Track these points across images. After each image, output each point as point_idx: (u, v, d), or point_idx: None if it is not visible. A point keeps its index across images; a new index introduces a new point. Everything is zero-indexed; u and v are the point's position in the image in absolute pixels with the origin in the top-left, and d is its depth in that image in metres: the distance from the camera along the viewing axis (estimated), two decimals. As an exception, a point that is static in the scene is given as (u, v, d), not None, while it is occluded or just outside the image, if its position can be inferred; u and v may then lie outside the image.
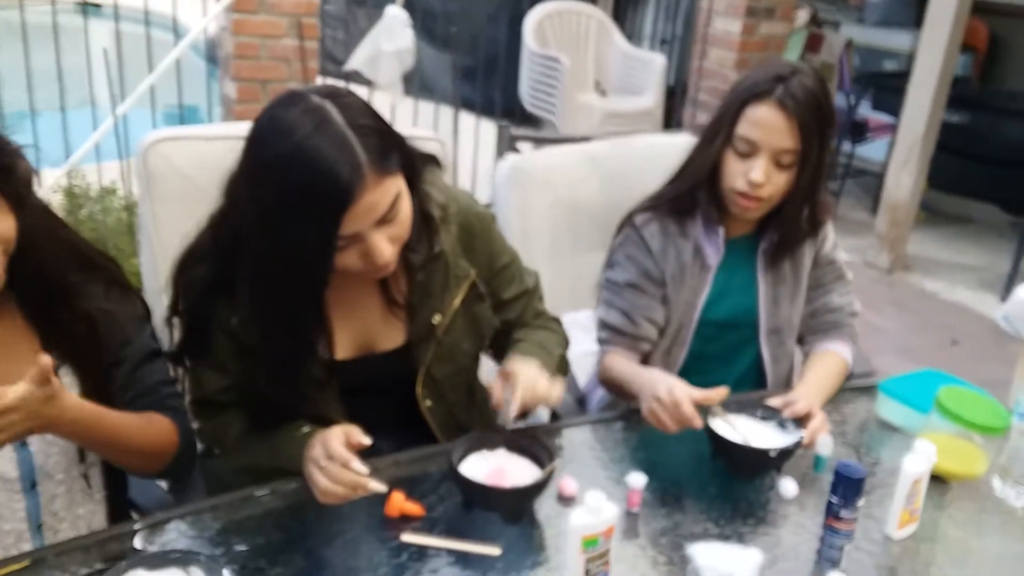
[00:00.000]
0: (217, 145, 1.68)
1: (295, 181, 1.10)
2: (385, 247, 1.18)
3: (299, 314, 1.23)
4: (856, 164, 5.51)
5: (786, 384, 1.73)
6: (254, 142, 1.16)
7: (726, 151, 1.52)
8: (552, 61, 4.54)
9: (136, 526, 1.12)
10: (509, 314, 1.45)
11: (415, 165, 1.26)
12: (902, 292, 4.31)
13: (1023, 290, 1.70)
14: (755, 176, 1.48)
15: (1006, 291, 4.23)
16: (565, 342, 1.48)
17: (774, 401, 1.41)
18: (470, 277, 1.39)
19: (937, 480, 1.31)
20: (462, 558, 1.13)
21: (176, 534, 1.13)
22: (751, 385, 1.71)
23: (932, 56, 4.18)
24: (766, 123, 1.47)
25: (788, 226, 1.59)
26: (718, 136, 1.53)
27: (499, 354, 1.49)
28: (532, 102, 4.73)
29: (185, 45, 3.40)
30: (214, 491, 1.31)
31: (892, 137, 4.78)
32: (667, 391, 1.32)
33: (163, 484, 1.37)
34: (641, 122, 4.58)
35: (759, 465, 1.31)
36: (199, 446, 1.38)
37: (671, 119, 5.13)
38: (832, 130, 1.53)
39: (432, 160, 1.38)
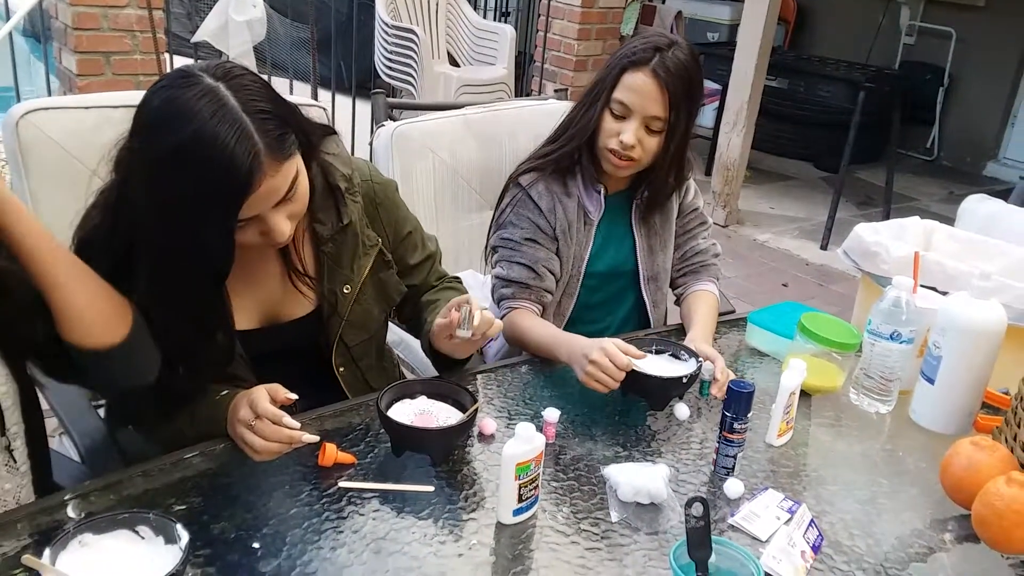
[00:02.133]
0: (93, 114, 1.63)
1: (192, 172, 1.09)
2: (284, 225, 1.19)
3: (202, 300, 1.21)
4: (689, 129, 5.87)
5: (663, 323, 1.90)
6: (148, 127, 1.12)
7: (604, 112, 1.64)
8: (408, 33, 4.55)
9: (67, 496, 1.10)
10: (415, 279, 1.51)
11: (311, 141, 1.26)
12: (737, 243, 4.68)
13: (861, 228, 1.93)
14: (626, 138, 1.60)
15: (825, 239, 4.70)
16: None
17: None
18: (377, 246, 1.42)
19: (803, 394, 1.50)
20: (399, 498, 1.18)
21: (109, 502, 1.11)
22: (634, 327, 1.86)
23: (754, 26, 4.53)
24: (640, 89, 1.59)
25: (656, 185, 1.74)
26: (599, 99, 1.64)
27: (406, 319, 1.54)
28: (389, 74, 4.72)
29: (17, 20, 3.14)
30: (132, 464, 1.29)
31: (719, 103, 5.14)
32: (598, 352, 1.41)
33: (78, 459, 1.33)
34: (495, 90, 4.68)
35: (671, 393, 1.44)
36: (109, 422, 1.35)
37: (520, 87, 5.27)
38: (700, 103, 1.67)
39: (328, 130, 1.39)
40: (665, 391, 1.44)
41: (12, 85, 3.14)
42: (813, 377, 1.49)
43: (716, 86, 5.66)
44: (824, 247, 4.67)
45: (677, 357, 1.51)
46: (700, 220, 1.90)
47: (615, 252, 1.79)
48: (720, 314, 1.88)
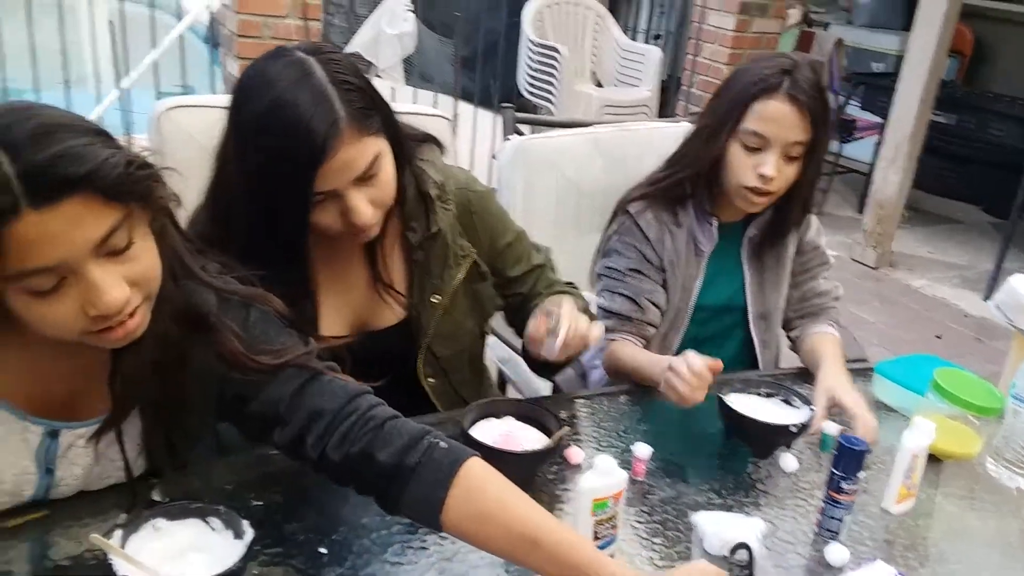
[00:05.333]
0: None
1: (272, 134, 1.10)
2: (364, 207, 1.17)
3: (285, 276, 1.20)
4: (843, 163, 5.58)
5: (775, 365, 1.78)
6: (237, 97, 1.17)
7: (731, 146, 1.53)
8: (552, 51, 4.57)
9: (153, 480, 1.14)
10: (519, 289, 1.47)
11: (400, 133, 1.25)
12: (887, 287, 4.38)
13: (1016, 280, 1.74)
14: (768, 170, 1.49)
15: (989, 289, 4.32)
16: (585, 303, 1.50)
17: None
18: (471, 256, 1.39)
19: (932, 459, 1.35)
20: (473, 520, 1.15)
21: (193, 489, 1.14)
22: (743, 367, 1.74)
23: (921, 57, 4.24)
24: (777, 117, 1.48)
25: (780, 217, 1.63)
26: (722, 130, 1.53)
27: (519, 327, 1.51)
28: (530, 90, 4.76)
29: (189, 20, 3.39)
30: (225, 453, 1.32)
31: (879, 137, 4.85)
32: (679, 360, 1.35)
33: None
34: (637, 112, 4.62)
35: (777, 440, 1.34)
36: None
37: (664, 111, 5.17)
38: (830, 123, 1.56)
39: (431, 139, 1.38)
40: (770, 438, 1.34)
41: (180, 86, 3.38)
42: (945, 441, 1.35)
43: (877, 119, 5.36)
44: (987, 299, 4.29)
45: (789, 403, 1.40)
46: (821, 260, 1.77)
47: (725, 286, 1.69)
48: (849, 360, 1.74)
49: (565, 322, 1.23)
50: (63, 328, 0.88)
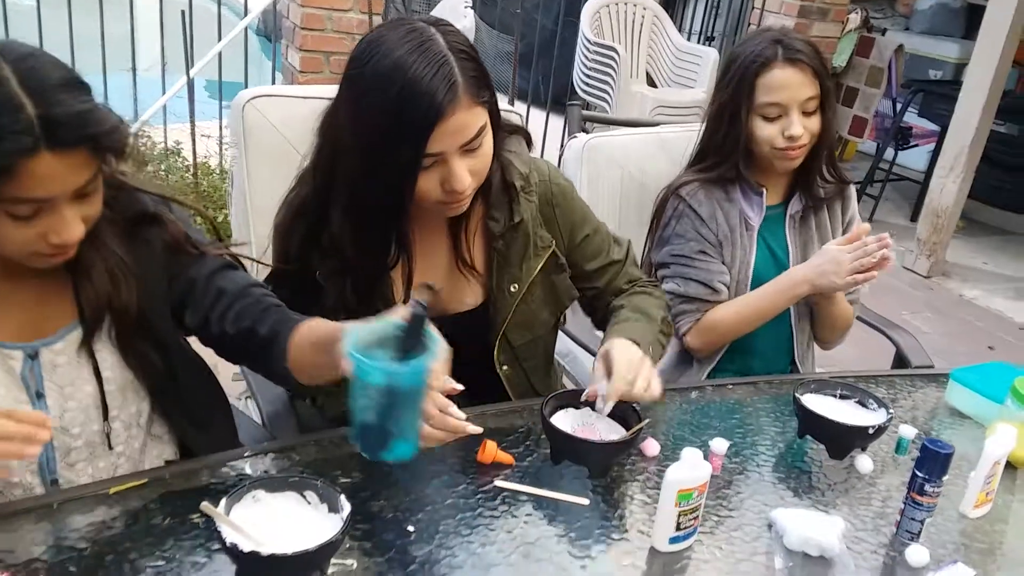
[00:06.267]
0: (311, 104, 1.73)
1: (392, 94, 1.14)
2: (465, 175, 1.20)
3: (386, 235, 1.26)
4: (896, 171, 5.50)
5: (809, 340, 1.87)
6: (356, 60, 1.20)
7: (754, 121, 1.66)
8: (608, 50, 4.57)
9: (246, 453, 1.17)
10: (596, 282, 1.48)
11: (499, 118, 1.28)
12: (939, 297, 4.32)
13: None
14: (795, 131, 1.63)
15: (1046, 303, 4.24)
16: (666, 305, 1.51)
17: None
18: (550, 248, 1.41)
19: (1008, 467, 1.34)
20: (552, 506, 1.16)
21: (282, 465, 1.17)
22: (785, 339, 1.82)
23: (985, 66, 4.18)
24: (785, 82, 1.62)
25: (816, 175, 1.74)
26: (739, 112, 1.66)
27: (597, 319, 1.52)
28: (585, 89, 4.76)
29: (257, 13, 3.45)
30: (306, 433, 1.35)
31: (934, 145, 4.78)
32: (836, 250, 1.61)
33: (259, 422, 1.42)
34: (691, 114, 4.60)
35: (853, 442, 1.34)
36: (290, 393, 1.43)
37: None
38: (829, 70, 1.71)
39: (520, 131, 1.41)
40: (847, 439, 1.33)
41: (242, 80, 3.44)
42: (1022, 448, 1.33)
43: (933, 127, 5.28)
44: (1044, 312, 4.22)
45: (864, 405, 1.40)
46: None
47: (774, 263, 1.77)
48: (916, 367, 1.75)
49: (614, 389, 1.22)
50: (21, 248, 1.01)
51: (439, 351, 0.96)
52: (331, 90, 1.86)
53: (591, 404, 1.28)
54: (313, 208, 1.28)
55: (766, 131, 1.65)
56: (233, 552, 0.90)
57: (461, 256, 1.37)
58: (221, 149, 3.96)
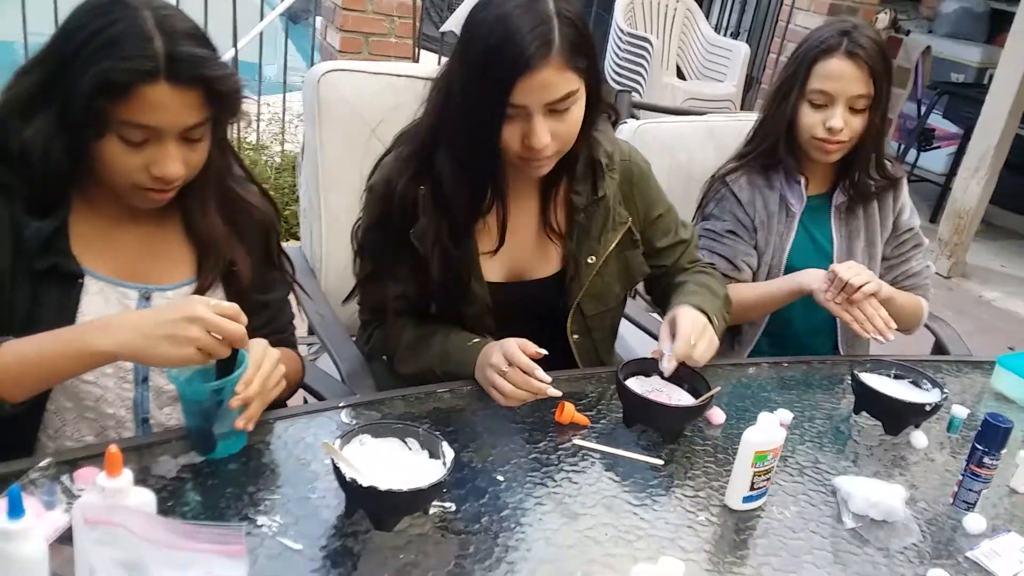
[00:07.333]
0: (380, 80, 1.79)
1: (492, 42, 1.21)
2: (544, 134, 1.25)
3: (482, 178, 1.32)
4: (916, 172, 5.54)
5: (857, 336, 1.79)
6: (472, 10, 1.26)
7: (800, 106, 1.69)
8: (642, 41, 4.62)
9: (341, 403, 1.23)
10: (663, 260, 1.54)
11: (598, 96, 1.33)
12: (959, 297, 4.37)
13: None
14: (835, 123, 1.65)
15: (1064, 307, 4.29)
16: (724, 284, 1.57)
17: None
18: (627, 224, 1.47)
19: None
20: (628, 466, 1.22)
21: (374, 416, 1.23)
22: (828, 331, 1.84)
23: (1013, 70, 4.21)
24: (838, 74, 1.64)
25: (859, 175, 1.75)
26: (791, 94, 1.70)
27: (656, 296, 1.58)
28: (616, 79, 4.80)
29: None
30: (382, 390, 1.41)
31: (955, 148, 4.81)
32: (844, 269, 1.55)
33: (339, 379, 1.48)
34: (721, 107, 4.65)
35: (908, 419, 1.39)
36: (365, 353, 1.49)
37: (744, 108, 5.18)
38: (891, 77, 1.70)
39: (613, 111, 1.46)
40: (903, 416, 1.39)
41: (257, 62, 3.48)
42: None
43: (955, 129, 5.32)
44: (1062, 316, 4.27)
45: (918, 385, 1.46)
46: (916, 242, 1.87)
47: (816, 253, 1.79)
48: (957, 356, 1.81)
49: (677, 349, 1.30)
50: (125, 177, 1.08)
51: (241, 373, 1.06)
52: (400, 67, 1.94)
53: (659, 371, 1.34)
54: (418, 156, 1.34)
55: (809, 118, 1.67)
56: (351, 486, 0.96)
57: (548, 222, 1.42)
58: (259, 127, 4.03)
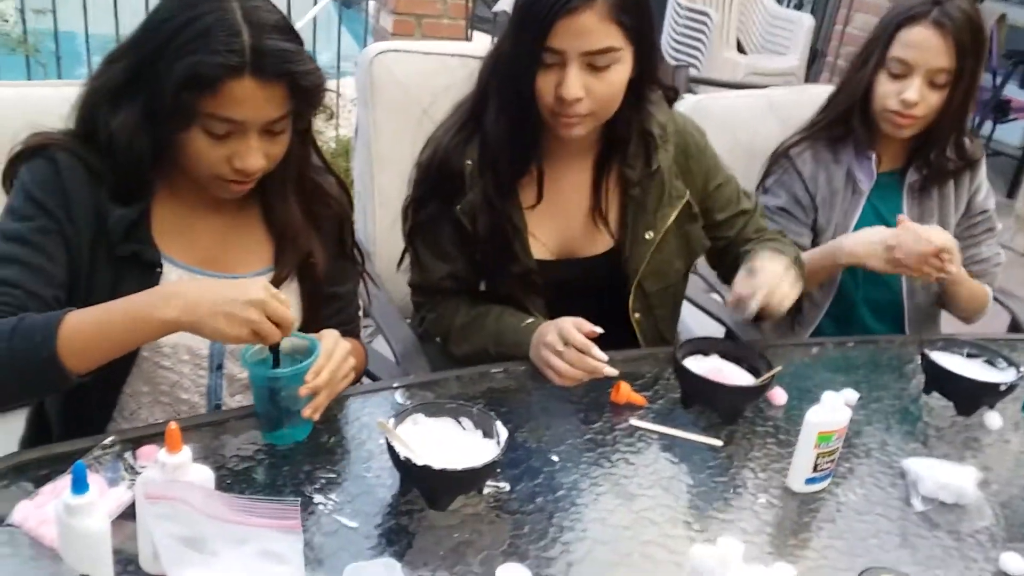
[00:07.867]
0: (433, 60, 1.79)
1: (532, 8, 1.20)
2: (577, 85, 1.22)
3: (524, 133, 1.31)
4: (992, 146, 5.32)
5: (926, 320, 1.79)
6: None
7: (878, 73, 1.60)
8: (700, 15, 4.53)
9: (395, 384, 1.24)
10: (727, 232, 1.50)
11: (650, 63, 1.31)
12: (1037, 276, 4.19)
13: None
14: (910, 95, 1.56)
15: None
16: (796, 252, 1.51)
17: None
18: (684, 197, 1.44)
19: None
20: (686, 447, 1.20)
21: (427, 396, 1.23)
22: (894, 311, 1.76)
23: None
24: (921, 43, 1.54)
25: (936, 154, 1.65)
26: (870, 59, 1.61)
27: (724, 270, 1.54)
28: (674, 54, 4.72)
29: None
30: (435, 372, 1.41)
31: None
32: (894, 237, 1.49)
33: (392, 360, 1.49)
34: (784, 81, 4.53)
35: (981, 399, 1.34)
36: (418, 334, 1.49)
37: (809, 82, 5.04)
38: (985, 57, 1.60)
39: (669, 88, 1.42)
40: (977, 396, 1.33)
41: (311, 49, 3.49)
42: None
43: (1032, 100, 5.08)
44: None
45: (993, 364, 1.39)
46: (988, 226, 1.77)
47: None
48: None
49: (763, 289, 1.28)
50: (208, 168, 1.09)
51: (312, 362, 1.06)
52: (453, 46, 1.92)
53: (719, 347, 1.31)
54: (467, 126, 1.34)
55: (884, 87, 1.59)
56: (406, 465, 0.96)
57: (598, 199, 1.40)
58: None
